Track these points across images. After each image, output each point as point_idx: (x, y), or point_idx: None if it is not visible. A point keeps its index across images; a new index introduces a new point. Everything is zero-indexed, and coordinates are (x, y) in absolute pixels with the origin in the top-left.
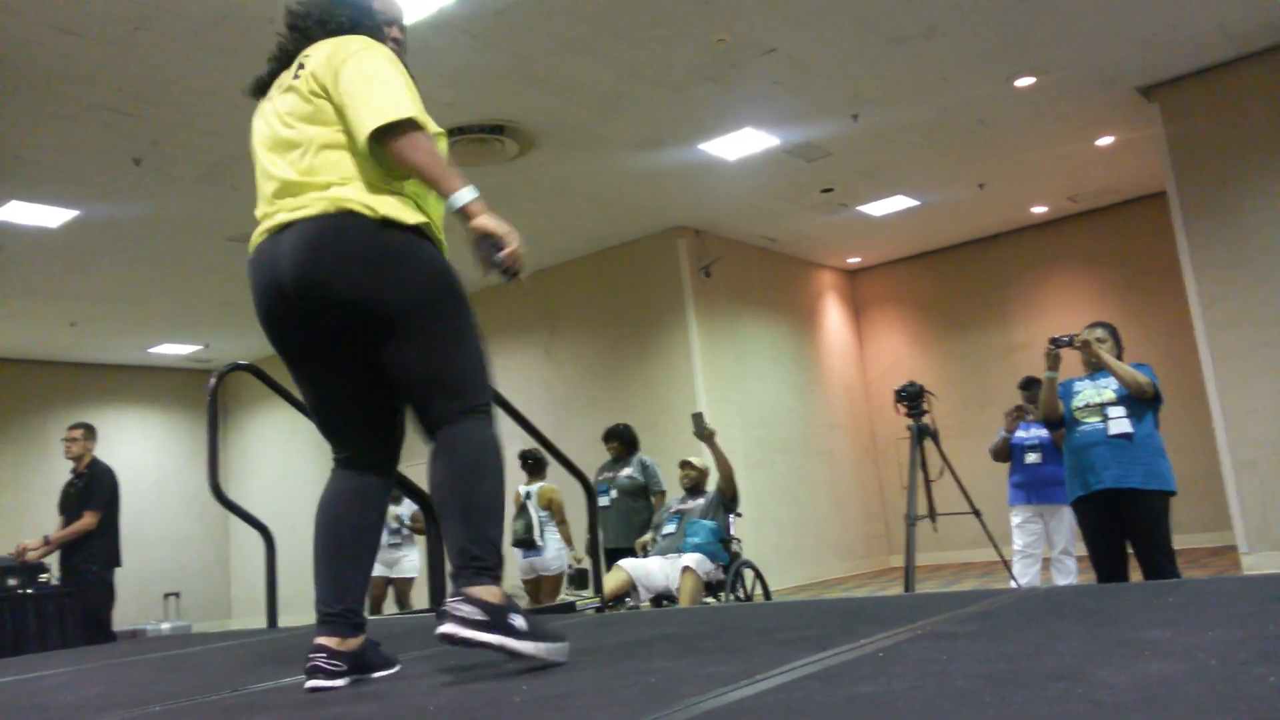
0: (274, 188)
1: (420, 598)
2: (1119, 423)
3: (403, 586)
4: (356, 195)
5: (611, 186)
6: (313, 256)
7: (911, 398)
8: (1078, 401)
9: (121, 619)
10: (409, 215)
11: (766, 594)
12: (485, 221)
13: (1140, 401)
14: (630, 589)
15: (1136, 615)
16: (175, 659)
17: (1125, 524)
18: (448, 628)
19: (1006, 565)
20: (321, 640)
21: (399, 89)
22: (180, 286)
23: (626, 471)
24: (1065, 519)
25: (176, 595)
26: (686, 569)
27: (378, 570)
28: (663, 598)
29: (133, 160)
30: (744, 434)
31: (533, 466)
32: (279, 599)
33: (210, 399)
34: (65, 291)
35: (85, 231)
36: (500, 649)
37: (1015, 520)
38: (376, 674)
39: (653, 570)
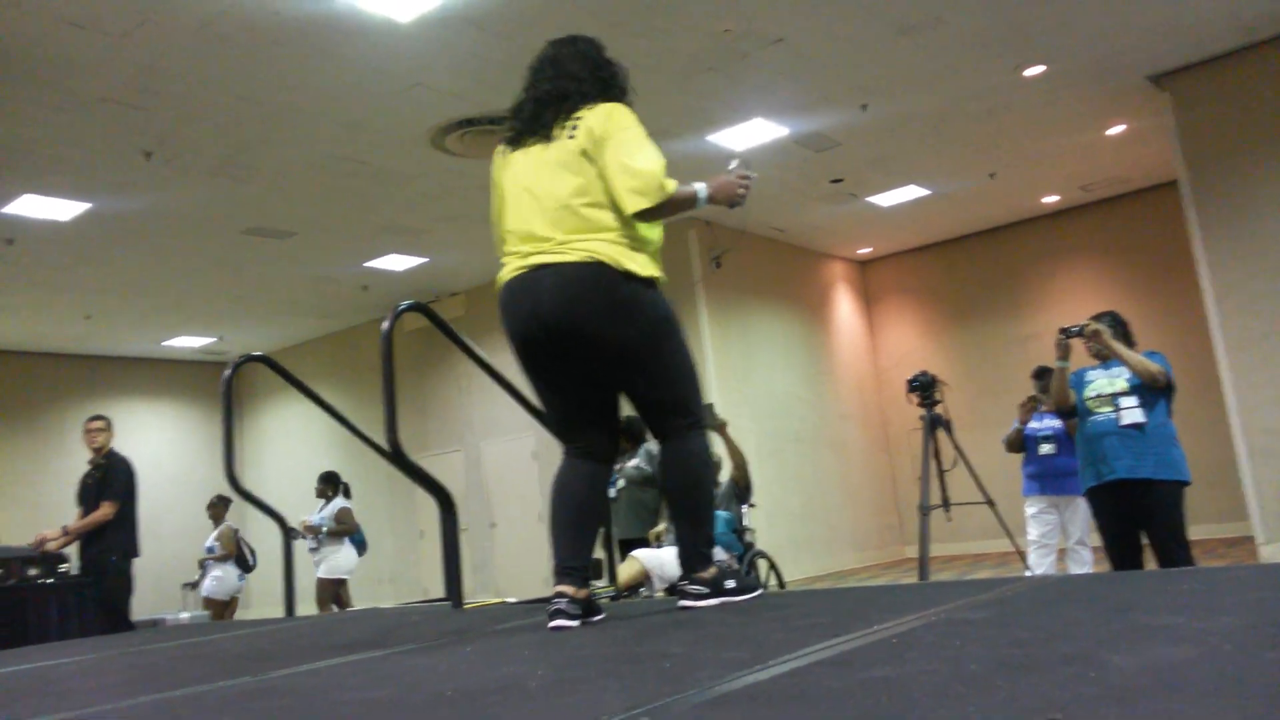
0: (535, 230)
1: (436, 587)
2: (1131, 413)
3: (329, 586)
4: (607, 250)
5: None
6: (567, 296)
7: (924, 388)
8: (1090, 391)
9: (140, 609)
10: (645, 270)
11: (781, 584)
12: (724, 195)
13: (1153, 391)
14: (645, 579)
15: (1150, 602)
16: (194, 646)
17: (1139, 514)
18: (686, 602)
19: (1021, 556)
20: (563, 588)
21: (654, 169)
22: (193, 279)
23: (634, 462)
24: (1080, 509)
25: (194, 585)
26: None
27: (321, 571)
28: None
29: (143, 154)
30: (755, 425)
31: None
32: (295, 588)
33: (225, 390)
34: (78, 284)
35: (97, 224)
36: (724, 606)
37: (1030, 511)
38: (595, 618)
39: (666, 560)
